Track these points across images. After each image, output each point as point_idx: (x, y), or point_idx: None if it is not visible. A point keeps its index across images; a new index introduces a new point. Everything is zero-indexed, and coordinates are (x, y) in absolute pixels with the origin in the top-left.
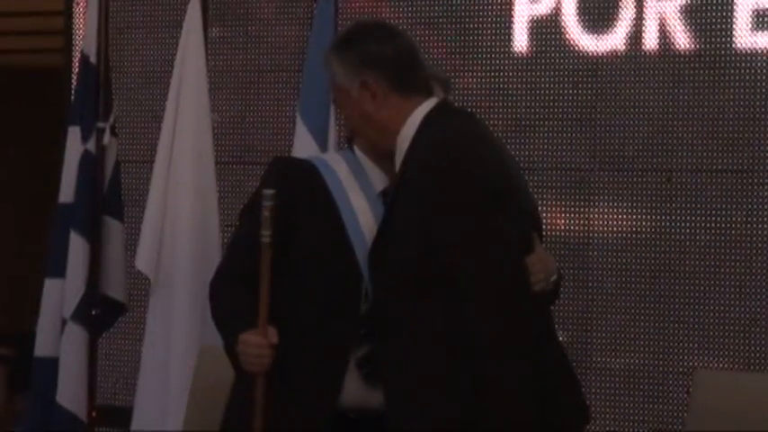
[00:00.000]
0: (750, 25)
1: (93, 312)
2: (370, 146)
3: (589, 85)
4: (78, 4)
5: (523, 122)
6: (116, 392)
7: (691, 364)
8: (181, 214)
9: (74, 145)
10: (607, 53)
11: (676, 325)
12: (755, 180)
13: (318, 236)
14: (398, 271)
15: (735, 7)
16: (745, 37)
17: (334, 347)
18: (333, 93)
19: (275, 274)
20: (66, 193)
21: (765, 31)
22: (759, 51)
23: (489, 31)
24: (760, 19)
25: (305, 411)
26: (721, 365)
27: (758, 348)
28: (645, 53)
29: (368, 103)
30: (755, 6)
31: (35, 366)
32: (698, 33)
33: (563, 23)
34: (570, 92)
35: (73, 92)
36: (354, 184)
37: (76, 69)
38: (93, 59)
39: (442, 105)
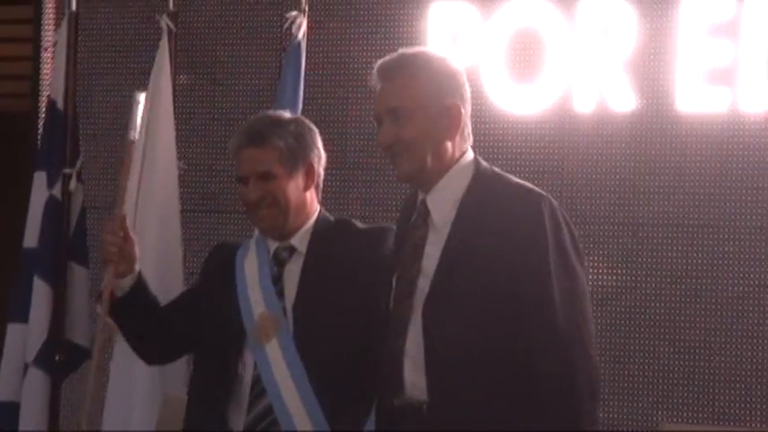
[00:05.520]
0: (708, 82)
1: (57, 358)
2: (410, 167)
3: (557, 140)
4: (46, 49)
5: None
6: None
7: (655, 419)
8: (145, 262)
9: (39, 190)
10: (575, 110)
11: (638, 380)
12: (721, 235)
13: (217, 308)
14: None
15: (690, 64)
16: (705, 93)
17: (221, 411)
18: (396, 104)
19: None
20: (31, 237)
21: (725, 87)
22: (719, 108)
23: None
24: (717, 75)
25: None
26: (685, 420)
27: (724, 403)
28: (609, 110)
29: (444, 128)
30: (710, 63)
31: None
32: (658, 91)
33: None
34: (539, 146)
35: (39, 137)
36: (254, 263)
37: (43, 114)
38: (60, 105)
39: (478, 157)
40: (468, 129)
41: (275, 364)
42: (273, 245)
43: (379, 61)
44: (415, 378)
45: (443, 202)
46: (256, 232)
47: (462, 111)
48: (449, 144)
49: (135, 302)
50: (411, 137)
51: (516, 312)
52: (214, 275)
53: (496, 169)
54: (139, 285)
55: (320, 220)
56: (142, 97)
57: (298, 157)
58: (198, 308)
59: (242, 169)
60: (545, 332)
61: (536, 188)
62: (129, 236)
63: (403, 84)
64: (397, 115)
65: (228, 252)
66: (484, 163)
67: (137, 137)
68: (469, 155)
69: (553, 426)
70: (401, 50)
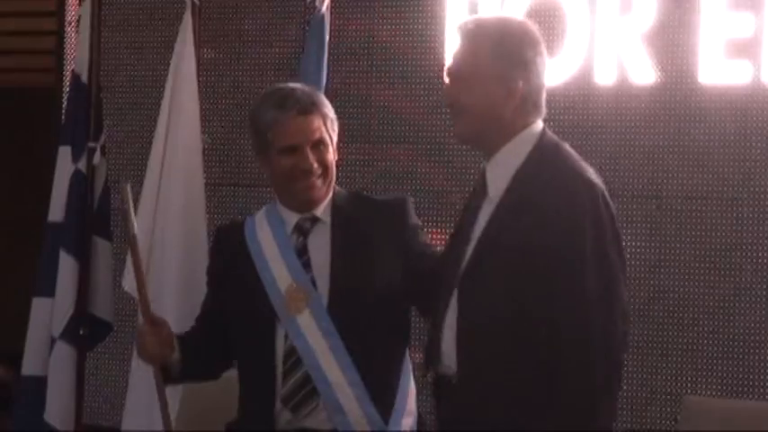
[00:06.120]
0: (729, 54)
1: (81, 332)
2: (463, 130)
3: (581, 113)
4: (70, 23)
5: None
6: (103, 412)
7: (679, 389)
8: (169, 235)
9: (64, 164)
10: (596, 83)
11: (665, 350)
12: (743, 207)
13: (240, 288)
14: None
15: (711, 36)
16: (727, 66)
17: (260, 386)
18: (458, 66)
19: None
20: (56, 212)
21: (746, 59)
22: (741, 80)
23: None
24: (739, 47)
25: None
26: (710, 392)
27: (747, 375)
28: (630, 83)
29: (501, 97)
30: (732, 35)
31: (23, 385)
32: (679, 63)
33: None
34: (559, 119)
35: (64, 111)
36: (270, 237)
37: (67, 89)
38: (84, 79)
39: (545, 131)
40: (537, 100)
41: (310, 334)
42: (291, 217)
43: (462, 21)
44: (450, 348)
45: (500, 173)
46: (277, 203)
47: (522, 86)
48: (509, 114)
49: (188, 366)
50: (466, 102)
51: (548, 294)
52: (227, 260)
53: (563, 145)
54: (186, 353)
55: (336, 192)
56: (128, 187)
57: (335, 127)
58: (224, 309)
59: (291, 138)
60: (573, 316)
61: (584, 171)
62: (159, 322)
63: (467, 49)
64: (456, 78)
65: (234, 232)
66: (550, 138)
67: (136, 231)
68: (536, 127)
69: (568, 394)
70: (480, 14)
